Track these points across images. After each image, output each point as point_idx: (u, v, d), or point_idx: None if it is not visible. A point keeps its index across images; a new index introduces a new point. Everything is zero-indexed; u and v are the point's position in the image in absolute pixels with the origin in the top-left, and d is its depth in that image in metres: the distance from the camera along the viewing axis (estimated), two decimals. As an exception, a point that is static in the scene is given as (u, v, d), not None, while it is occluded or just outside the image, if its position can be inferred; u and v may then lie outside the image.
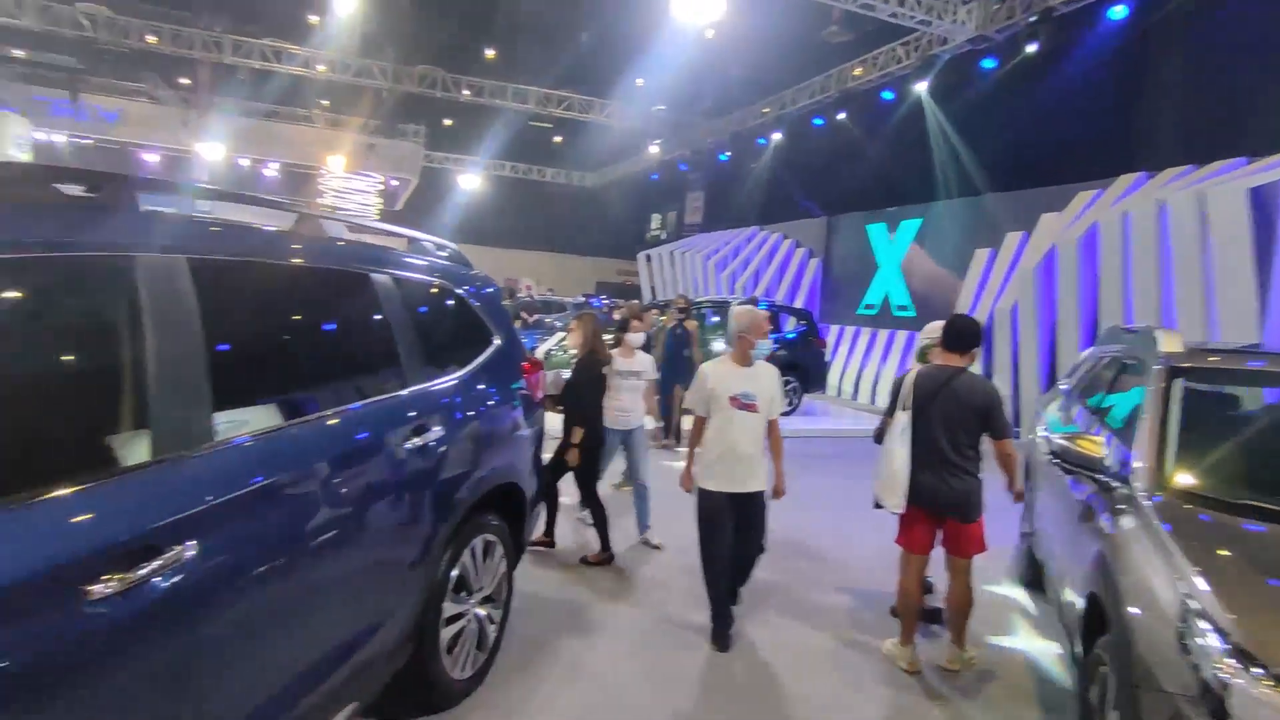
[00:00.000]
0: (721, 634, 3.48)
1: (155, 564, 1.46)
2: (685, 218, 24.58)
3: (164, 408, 1.59)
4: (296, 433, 1.98)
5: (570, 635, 3.53)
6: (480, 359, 3.09)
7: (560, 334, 10.42)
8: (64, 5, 15.39)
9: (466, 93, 19.11)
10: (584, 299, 18.87)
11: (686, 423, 4.84)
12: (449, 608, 2.69)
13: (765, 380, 3.54)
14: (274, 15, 17.64)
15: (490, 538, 2.97)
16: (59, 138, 22.49)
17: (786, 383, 10.35)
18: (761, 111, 17.69)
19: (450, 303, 3.06)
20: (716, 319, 10.72)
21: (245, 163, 23.85)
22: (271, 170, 25.57)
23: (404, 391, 2.50)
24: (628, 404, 4.91)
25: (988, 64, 11.64)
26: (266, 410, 1.95)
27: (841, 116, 14.78)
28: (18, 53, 20.89)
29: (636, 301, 7.45)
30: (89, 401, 1.53)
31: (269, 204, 2.45)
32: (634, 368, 5.00)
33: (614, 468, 6.46)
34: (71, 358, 1.55)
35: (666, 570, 4.47)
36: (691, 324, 8.28)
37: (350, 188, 25.43)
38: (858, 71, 14.58)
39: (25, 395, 1.40)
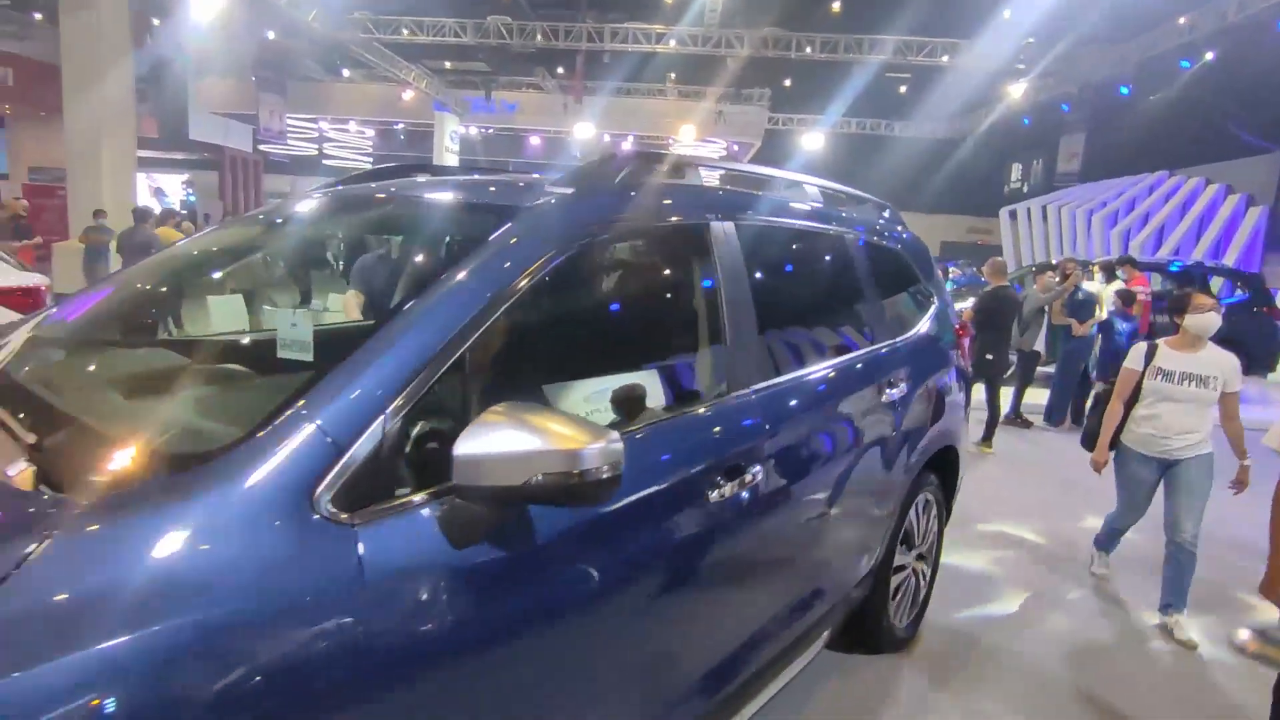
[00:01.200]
0: None
1: (738, 481, 1.74)
2: (1058, 167, 21.42)
3: (736, 349, 1.88)
4: (813, 379, 2.19)
5: (995, 603, 3.42)
6: (925, 319, 3.08)
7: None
8: (481, 20, 18.64)
9: (809, 50, 18.78)
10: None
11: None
12: (897, 557, 2.79)
13: None
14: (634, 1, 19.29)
15: (929, 496, 3.00)
16: (473, 130, 27.63)
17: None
18: (1179, 25, 14.40)
19: (901, 264, 3.09)
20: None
21: (607, 138, 26.74)
22: (628, 143, 28.35)
23: (878, 347, 2.62)
24: (1174, 422, 3.21)
25: None
26: (788, 357, 2.18)
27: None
28: (447, 64, 26.02)
29: (1001, 259, 6.67)
30: (697, 339, 1.87)
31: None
32: (1196, 369, 3.18)
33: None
34: (688, 308, 1.89)
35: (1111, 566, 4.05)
36: (1094, 286, 7.23)
37: (700, 155, 27.00)
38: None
39: (667, 338, 1.76)
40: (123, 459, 1.10)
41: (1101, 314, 6.98)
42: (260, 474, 1.02)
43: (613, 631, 1.45)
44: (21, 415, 1.25)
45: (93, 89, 11.65)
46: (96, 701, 0.80)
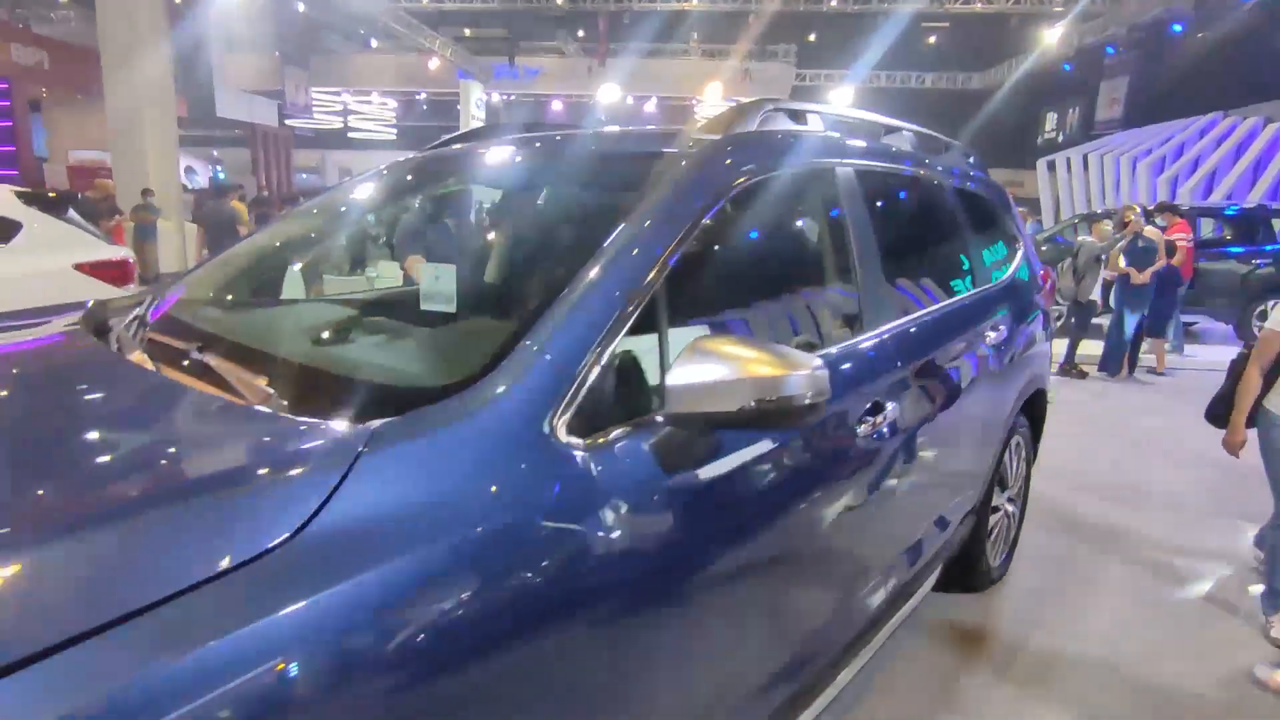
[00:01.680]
0: None
1: (880, 417, 1.80)
2: (1097, 114, 20.79)
3: (866, 291, 1.92)
4: (932, 320, 2.22)
5: (1081, 548, 3.46)
6: (1016, 262, 3.09)
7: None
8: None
9: (835, 2, 18.30)
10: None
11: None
12: (993, 498, 2.84)
13: None
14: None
15: (1019, 439, 3.04)
16: (495, 97, 27.43)
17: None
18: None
19: (990, 208, 3.08)
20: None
21: (629, 100, 26.41)
22: (650, 105, 28.04)
23: (981, 290, 2.64)
24: None
25: None
26: (907, 299, 2.22)
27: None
28: (467, 31, 25.74)
29: (1022, 209, 6.55)
30: (835, 280, 1.91)
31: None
32: None
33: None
34: (825, 251, 1.93)
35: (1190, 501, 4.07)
36: (1153, 232, 7.08)
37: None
38: None
39: (809, 279, 1.81)
40: (370, 397, 1.18)
41: (1160, 262, 6.86)
42: (508, 403, 1.09)
43: (798, 542, 1.56)
44: (240, 361, 1.34)
45: (132, 67, 11.74)
46: (414, 608, 0.89)
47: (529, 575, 1.00)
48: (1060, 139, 23.29)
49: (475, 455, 1.03)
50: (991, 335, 2.56)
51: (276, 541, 0.84)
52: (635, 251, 1.32)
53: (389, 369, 1.36)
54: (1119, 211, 7.33)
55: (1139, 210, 6.95)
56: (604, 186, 1.71)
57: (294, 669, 0.77)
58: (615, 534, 1.13)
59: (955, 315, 2.39)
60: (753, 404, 1.16)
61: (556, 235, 1.75)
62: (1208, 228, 9.49)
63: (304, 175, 27.28)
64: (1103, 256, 7.02)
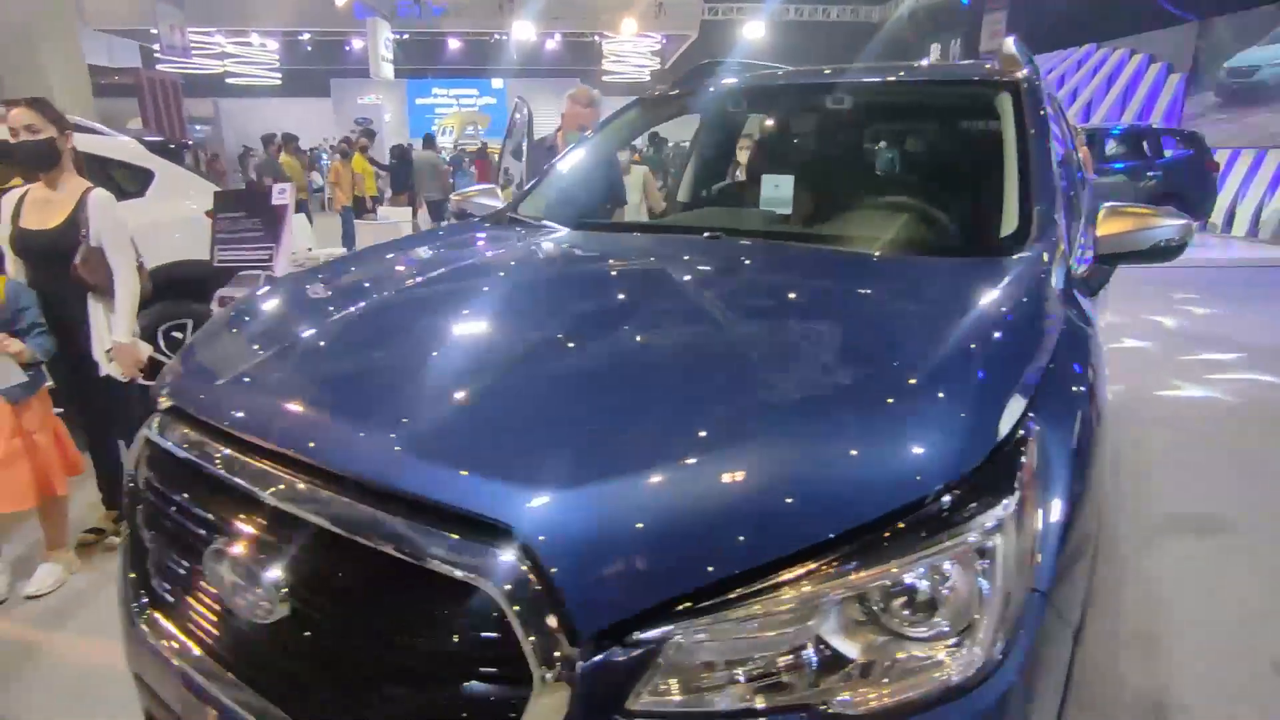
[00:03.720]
0: None
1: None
2: (980, 45, 22.51)
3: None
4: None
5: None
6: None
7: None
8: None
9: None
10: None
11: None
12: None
13: None
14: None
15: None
16: (392, 35, 26.06)
17: (1166, 212, 9.96)
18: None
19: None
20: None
21: (532, 38, 25.89)
22: (553, 43, 27.67)
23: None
24: None
25: None
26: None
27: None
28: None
29: None
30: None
31: None
32: None
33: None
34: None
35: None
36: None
37: (629, 51, 26.92)
38: None
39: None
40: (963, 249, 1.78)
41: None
42: (1048, 253, 1.74)
43: None
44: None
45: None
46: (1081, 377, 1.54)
47: (1079, 356, 1.68)
48: (942, 70, 24.99)
49: (1058, 282, 1.68)
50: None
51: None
52: (1043, 146, 2.00)
53: (957, 233, 1.93)
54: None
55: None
56: (981, 108, 2.35)
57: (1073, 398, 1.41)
58: (1079, 334, 1.80)
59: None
60: (1151, 246, 1.88)
61: (971, 141, 2.43)
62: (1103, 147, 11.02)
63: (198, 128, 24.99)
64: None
